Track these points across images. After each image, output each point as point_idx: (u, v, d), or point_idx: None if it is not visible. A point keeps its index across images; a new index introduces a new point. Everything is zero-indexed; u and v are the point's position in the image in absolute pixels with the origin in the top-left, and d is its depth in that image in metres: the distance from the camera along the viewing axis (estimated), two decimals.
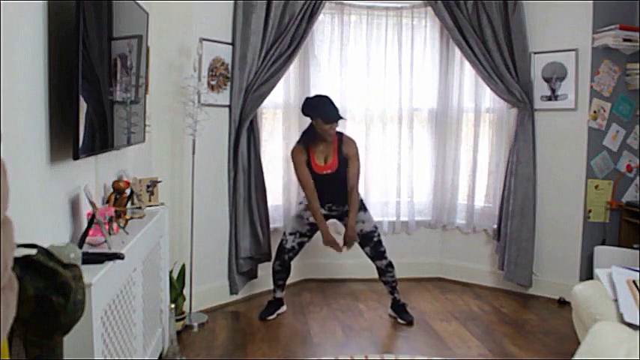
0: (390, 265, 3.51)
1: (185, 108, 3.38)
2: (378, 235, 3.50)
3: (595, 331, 2.05)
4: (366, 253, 3.53)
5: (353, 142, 3.46)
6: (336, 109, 3.34)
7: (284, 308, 3.64)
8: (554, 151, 3.98)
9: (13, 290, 0.88)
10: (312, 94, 4.15)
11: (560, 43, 3.89)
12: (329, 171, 3.40)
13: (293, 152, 3.44)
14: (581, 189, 3.88)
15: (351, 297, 4.02)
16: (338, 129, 3.42)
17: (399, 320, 3.53)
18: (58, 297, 1.20)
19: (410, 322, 3.49)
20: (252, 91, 3.71)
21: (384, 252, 3.49)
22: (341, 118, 3.35)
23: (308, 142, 3.40)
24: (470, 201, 4.39)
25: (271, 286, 3.65)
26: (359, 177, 3.46)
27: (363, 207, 3.50)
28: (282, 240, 3.56)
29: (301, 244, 3.55)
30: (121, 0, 2.30)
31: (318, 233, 3.49)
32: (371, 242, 3.48)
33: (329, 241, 3.45)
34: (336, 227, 3.71)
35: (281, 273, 3.56)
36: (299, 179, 3.45)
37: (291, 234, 3.53)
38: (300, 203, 3.59)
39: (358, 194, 3.47)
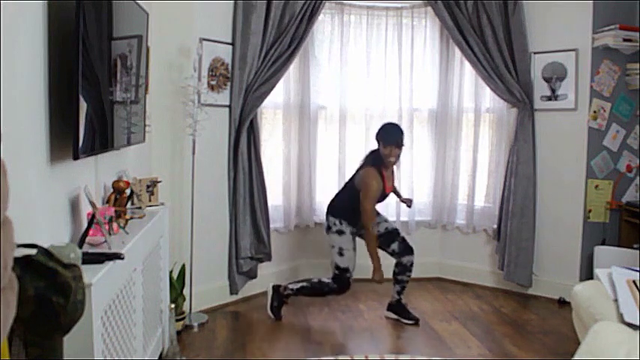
0: (413, 264, 3.52)
1: (185, 108, 3.38)
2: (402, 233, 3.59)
3: (595, 331, 2.05)
4: (392, 251, 3.51)
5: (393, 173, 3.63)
6: (397, 135, 3.39)
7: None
8: (554, 151, 3.98)
9: (13, 290, 0.88)
10: (311, 95, 4.18)
11: (560, 43, 3.89)
12: (389, 191, 3.53)
13: (369, 173, 3.37)
14: (581, 189, 3.88)
15: (351, 297, 4.02)
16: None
17: (405, 321, 3.52)
18: (58, 297, 1.20)
19: (417, 322, 3.49)
20: (252, 91, 3.71)
21: (413, 249, 3.52)
22: (401, 143, 3.38)
23: (380, 164, 3.41)
24: (470, 201, 4.39)
25: (271, 287, 3.62)
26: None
27: (377, 212, 3.56)
28: (348, 277, 3.43)
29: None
30: (121, 0, 2.30)
31: (325, 243, 3.57)
32: (398, 237, 3.51)
33: (380, 277, 3.43)
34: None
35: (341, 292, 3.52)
36: (369, 204, 3.34)
37: (353, 269, 3.44)
38: (340, 232, 3.41)
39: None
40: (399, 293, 3.55)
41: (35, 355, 1.22)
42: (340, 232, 3.41)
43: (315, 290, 3.48)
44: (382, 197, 3.48)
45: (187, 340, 3.20)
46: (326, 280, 3.46)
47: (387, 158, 3.38)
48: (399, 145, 3.38)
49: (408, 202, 3.73)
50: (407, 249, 3.50)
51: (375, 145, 3.49)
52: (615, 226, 3.90)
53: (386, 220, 3.58)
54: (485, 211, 4.36)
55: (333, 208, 3.48)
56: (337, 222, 3.41)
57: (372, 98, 4.36)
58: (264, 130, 4.08)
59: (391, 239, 3.51)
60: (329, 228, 3.44)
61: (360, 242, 3.63)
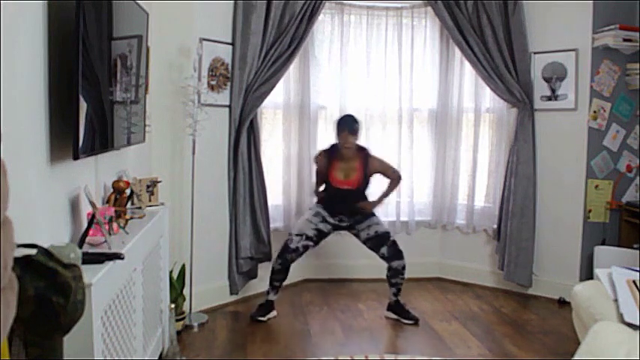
0: (405, 267, 3.52)
1: (185, 108, 3.38)
2: (393, 237, 3.57)
3: (595, 331, 2.05)
4: (382, 255, 3.52)
5: (378, 158, 3.61)
6: (346, 123, 3.47)
7: (274, 313, 3.57)
8: (554, 151, 3.98)
9: (13, 290, 0.88)
10: (311, 95, 4.19)
11: (560, 43, 3.89)
12: (347, 187, 3.52)
13: (317, 159, 3.65)
14: (581, 189, 3.88)
15: (351, 297, 4.02)
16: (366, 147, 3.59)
17: (405, 321, 3.52)
18: (58, 297, 1.20)
19: (416, 321, 3.50)
20: (252, 91, 3.71)
21: (402, 253, 3.52)
22: (348, 129, 3.43)
23: (334, 154, 3.55)
24: (470, 201, 4.39)
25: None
26: (394, 170, 3.66)
27: (373, 213, 3.58)
28: (287, 240, 3.56)
29: (306, 247, 3.54)
30: (121, 0, 2.30)
31: (324, 242, 3.59)
32: (387, 242, 3.51)
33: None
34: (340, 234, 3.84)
35: (279, 273, 3.52)
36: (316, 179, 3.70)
37: (297, 235, 3.53)
38: (310, 209, 3.64)
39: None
40: (396, 295, 3.56)
41: (35, 355, 1.22)
42: (310, 208, 3.69)
43: (271, 268, 3.58)
44: (331, 188, 3.54)
45: (187, 340, 3.20)
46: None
47: (341, 144, 3.47)
48: (352, 131, 3.45)
49: (366, 207, 3.58)
50: (396, 253, 3.50)
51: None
52: (615, 226, 3.90)
53: (377, 223, 3.57)
54: (485, 211, 4.36)
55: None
56: (314, 203, 3.71)
57: (372, 98, 4.36)
58: (264, 130, 4.08)
59: (381, 243, 3.51)
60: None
61: (358, 244, 3.63)
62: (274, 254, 3.87)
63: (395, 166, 3.79)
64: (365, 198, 3.58)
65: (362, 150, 3.56)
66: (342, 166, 3.52)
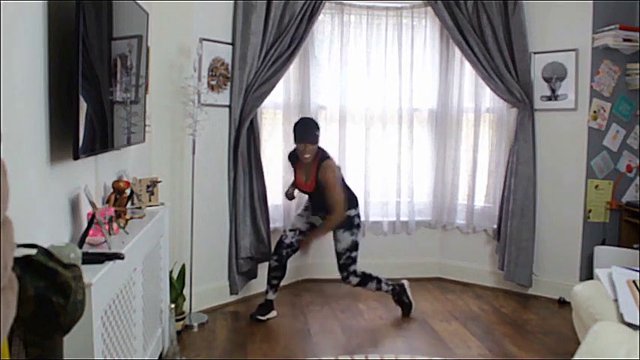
0: (349, 284, 3.52)
1: (185, 108, 3.38)
2: (348, 257, 3.46)
3: (595, 331, 2.05)
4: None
5: (331, 168, 3.39)
6: (305, 133, 3.37)
7: (274, 313, 3.57)
8: (554, 151, 3.98)
9: (13, 290, 0.88)
10: (311, 95, 4.19)
11: (560, 43, 3.89)
12: (307, 189, 3.52)
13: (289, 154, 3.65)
14: (581, 189, 3.88)
15: (351, 297, 4.02)
16: (325, 150, 3.50)
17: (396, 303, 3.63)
18: (58, 297, 1.20)
19: (406, 315, 3.57)
20: (252, 91, 3.71)
21: (346, 277, 3.49)
22: (302, 141, 3.35)
23: (296, 157, 3.53)
24: (470, 201, 4.39)
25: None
26: (340, 198, 3.36)
27: (346, 225, 3.44)
28: (281, 236, 3.58)
29: (300, 242, 3.56)
30: (121, 0, 2.30)
31: (324, 241, 3.59)
32: (339, 260, 3.49)
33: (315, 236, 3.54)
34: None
35: (277, 270, 3.52)
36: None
37: (291, 230, 3.56)
38: (303, 205, 3.64)
39: (347, 214, 3.43)
40: (379, 289, 3.59)
41: (35, 355, 1.22)
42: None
43: (268, 266, 3.58)
44: (299, 189, 3.58)
45: (187, 340, 3.20)
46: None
47: (301, 155, 3.42)
48: (311, 142, 3.36)
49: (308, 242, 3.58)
50: (342, 277, 3.51)
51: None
52: (615, 226, 3.90)
53: (339, 241, 3.46)
54: (485, 211, 4.36)
55: None
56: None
57: (372, 98, 4.36)
58: (264, 130, 4.08)
59: (337, 259, 3.50)
60: None
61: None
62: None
63: (338, 196, 3.36)
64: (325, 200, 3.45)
65: (319, 154, 3.43)
66: (303, 169, 3.51)
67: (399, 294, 3.62)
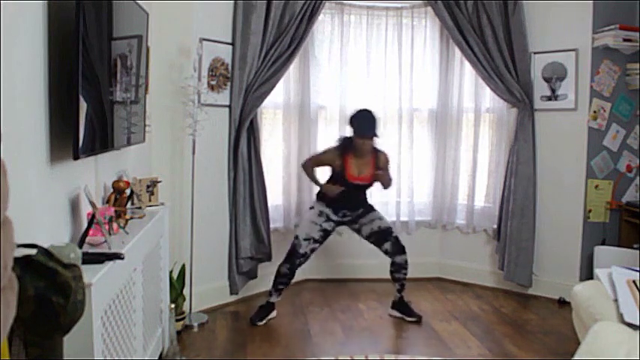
0: (407, 262, 3.53)
1: (185, 108, 3.38)
2: (395, 232, 3.58)
3: (595, 331, 2.05)
4: (385, 250, 3.53)
5: (385, 154, 3.58)
6: (372, 126, 3.36)
7: (274, 314, 3.56)
8: (554, 151, 3.98)
9: (13, 290, 0.88)
10: (311, 95, 4.18)
11: (560, 43, 3.89)
12: (360, 182, 3.48)
13: (327, 148, 3.58)
14: (581, 189, 3.88)
15: (351, 297, 4.02)
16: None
17: (408, 318, 3.53)
18: (58, 297, 1.20)
19: (419, 319, 3.51)
20: (252, 91, 3.71)
21: (405, 248, 3.53)
22: (375, 135, 3.36)
23: (347, 150, 3.45)
24: (470, 201, 4.39)
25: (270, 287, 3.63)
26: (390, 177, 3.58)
27: (374, 208, 3.59)
28: (295, 244, 3.48)
29: (313, 250, 3.53)
30: (121, 0, 2.30)
31: (328, 240, 3.58)
32: (391, 237, 3.52)
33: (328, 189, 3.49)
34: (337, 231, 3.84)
35: (286, 277, 3.48)
36: (307, 162, 3.60)
37: (305, 240, 3.47)
38: (312, 208, 3.57)
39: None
40: (400, 291, 3.57)
41: (35, 355, 1.22)
42: (311, 207, 3.60)
43: (275, 275, 3.52)
44: (346, 183, 3.45)
45: (187, 340, 3.20)
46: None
47: (359, 147, 3.40)
48: (375, 136, 3.38)
49: (382, 178, 3.50)
50: (399, 248, 3.51)
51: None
52: (615, 226, 3.90)
53: (380, 218, 3.58)
54: (485, 211, 4.36)
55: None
56: (314, 201, 3.61)
57: (372, 98, 4.35)
58: (264, 130, 4.08)
59: (384, 238, 3.52)
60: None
61: (358, 244, 3.63)
62: (274, 254, 3.88)
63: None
64: (365, 190, 3.57)
65: (375, 147, 3.52)
66: (356, 162, 3.46)
67: (407, 304, 3.60)
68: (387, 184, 3.55)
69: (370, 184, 3.53)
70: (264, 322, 3.48)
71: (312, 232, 3.49)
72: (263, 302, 3.58)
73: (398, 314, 3.58)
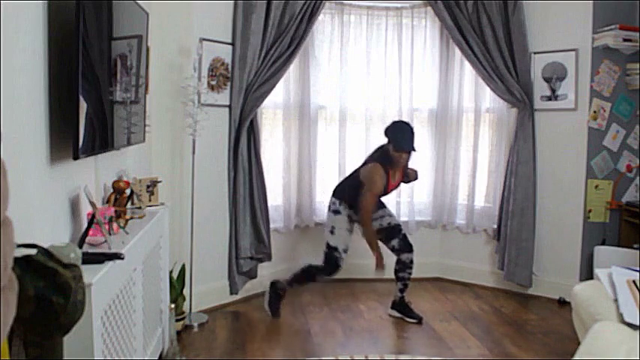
0: (413, 261, 3.52)
1: (185, 108, 3.38)
2: (404, 230, 3.58)
3: (595, 331, 2.05)
4: (392, 247, 3.53)
5: (415, 171, 3.65)
6: (411, 140, 3.35)
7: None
8: (554, 151, 3.98)
9: (13, 290, 0.88)
10: (311, 95, 4.18)
11: (560, 43, 3.89)
12: (395, 188, 3.57)
13: (374, 170, 3.39)
14: (581, 189, 3.88)
15: (351, 297, 4.02)
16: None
17: (408, 319, 3.53)
18: (58, 297, 1.20)
19: (420, 320, 3.51)
20: (252, 91, 3.71)
21: (412, 246, 3.52)
22: (413, 149, 3.36)
23: (386, 164, 3.41)
24: (470, 201, 4.39)
25: (269, 283, 3.62)
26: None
27: (384, 204, 3.59)
28: (336, 257, 3.44)
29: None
30: (121, 0, 2.30)
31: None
32: (399, 234, 3.51)
33: (381, 266, 3.47)
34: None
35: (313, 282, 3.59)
36: (369, 201, 3.37)
37: (344, 251, 3.47)
38: (338, 212, 3.46)
39: None
40: (402, 291, 3.56)
41: (35, 355, 1.22)
42: (336, 212, 3.47)
43: (306, 274, 3.52)
44: (384, 193, 3.50)
45: (187, 340, 3.20)
46: (316, 263, 3.51)
47: (397, 160, 3.38)
48: (413, 151, 3.38)
49: (412, 177, 3.61)
50: (407, 246, 3.51)
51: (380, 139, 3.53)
52: (615, 226, 3.90)
53: (390, 215, 3.59)
54: (485, 211, 4.36)
55: (336, 189, 3.56)
56: (337, 202, 3.49)
57: (372, 98, 4.35)
58: (264, 130, 4.08)
59: (393, 235, 3.52)
60: (328, 207, 3.53)
61: (358, 243, 3.63)
62: (274, 254, 3.89)
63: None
64: None
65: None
66: (392, 173, 3.48)
67: (407, 305, 3.60)
68: (415, 179, 3.65)
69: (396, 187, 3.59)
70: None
71: (348, 241, 3.49)
72: (264, 302, 3.59)
73: (397, 314, 3.58)
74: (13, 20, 1.52)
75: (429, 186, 4.49)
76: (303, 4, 3.82)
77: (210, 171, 3.64)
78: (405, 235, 3.54)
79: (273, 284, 3.57)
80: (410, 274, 3.54)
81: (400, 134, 3.37)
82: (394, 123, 3.51)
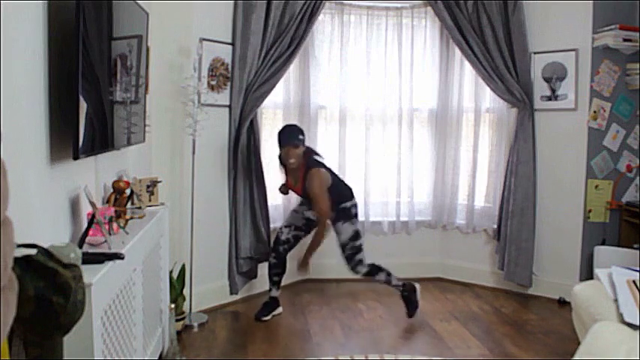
0: (365, 273, 3.47)
1: (185, 108, 3.38)
2: (352, 247, 3.44)
3: (595, 331, 2.05)
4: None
5: (317, 177, 3.36)
6: (286, 138, 3.36)
7: (280, 310, 3.61)
8: (554, 151, 3.98)
9: (13, 290, 0.88)
10: (311, 95, 4.19)
11: (560, 43, 3.89)
12: (297, 192, 3.57)
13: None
14: (581, 189, 3.88)
15: (350, 297, 4.02)
16: (313, 157, 3.48)
17: (406, 312, 3.57)
18: (58, 297, 1.20)
19: (411, 316, 3.54)
20: (252, 91, 3.71)
21: (354, 265, 3.46)
22: (285, 145, 3.35)
23: (281, 163, 3.57)
24: (470, 201, 4.39)
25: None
26: (325, 208, 3.35)
27: (344, 217, 3.43)
28: (277, 233, 3.64)
29: (297, 238, 3.60)
30: (121, 0, 2.30)
31: (325, 241, 3.54)
32: (344, 252, 3.47)
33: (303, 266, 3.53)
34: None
35: (276, 267, 3.57)
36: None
37: (286, 226, 3.60)
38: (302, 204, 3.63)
39: (342, 206, 3.43)
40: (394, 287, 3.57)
41: (35, 355, 1.22)
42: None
43: (268, 264, 3.62)
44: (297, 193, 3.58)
45: (187, 340, 3.21)
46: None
47: (285, 160, 3.43)
48: (293, 145, 3.34)
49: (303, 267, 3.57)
50: (347, 261, 3.48)
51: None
52: (615, 226, 3.90)
53: (339, 232, 3.46)
54: (485, 211, 4.36)
55: None
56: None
57: (372, 98, 4.35)
58: (264, 130, 4.08)
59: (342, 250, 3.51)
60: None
61: None
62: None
63: (323, 200, 3.35)
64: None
65: (306, 160, 3.42)
66: (292, 173, 3.52)
67: (409, 291, 3.59)
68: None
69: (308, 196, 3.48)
70: (269, 317, 3.53)
71: (293, 219, 3.61)
72: (265, 300, 3.59)
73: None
74: (13, 20, 1.52)
75: (429, 186, 4.49)
76: (303, 4, 3.82)
77: (210, 171, 3.64)
78: (349, 255, 3.45)
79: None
80: (361, 274, 3.49)
81: (279, 134, 3.43)
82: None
